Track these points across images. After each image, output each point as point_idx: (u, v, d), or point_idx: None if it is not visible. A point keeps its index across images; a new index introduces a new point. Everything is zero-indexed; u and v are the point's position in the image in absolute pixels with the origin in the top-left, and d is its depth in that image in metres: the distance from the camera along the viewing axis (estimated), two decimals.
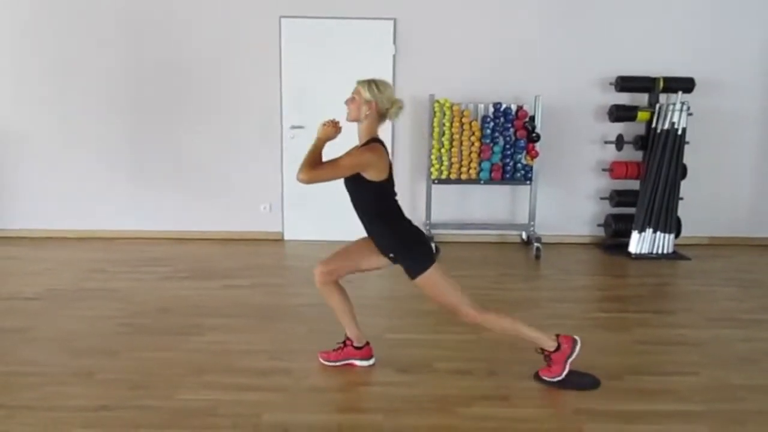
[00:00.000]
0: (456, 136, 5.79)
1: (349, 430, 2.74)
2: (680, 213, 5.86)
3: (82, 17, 5.93)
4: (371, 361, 3.36)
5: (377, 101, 3.02)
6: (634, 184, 6.00)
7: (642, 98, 5.97)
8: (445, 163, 5.85)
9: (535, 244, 5.79)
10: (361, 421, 2.83)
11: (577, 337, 3.14)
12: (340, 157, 2.98)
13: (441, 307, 3.16)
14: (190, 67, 6.02)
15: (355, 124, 3.09)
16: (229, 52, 5.99)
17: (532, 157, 5.81)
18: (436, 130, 5.82)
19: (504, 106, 5.83)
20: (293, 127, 5.97)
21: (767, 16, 6.00)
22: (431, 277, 3.03)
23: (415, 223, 3.20)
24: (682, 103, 5.62)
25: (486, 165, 5.82)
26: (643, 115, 5.79)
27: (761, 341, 3.79)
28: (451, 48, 5.99)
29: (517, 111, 5.85)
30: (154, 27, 5.95)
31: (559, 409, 2.92)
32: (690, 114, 5.69)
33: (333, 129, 3.07)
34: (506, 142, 5.82)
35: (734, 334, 3.88)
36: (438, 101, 5.79)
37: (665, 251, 5.76)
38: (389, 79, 5.90)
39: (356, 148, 3.07)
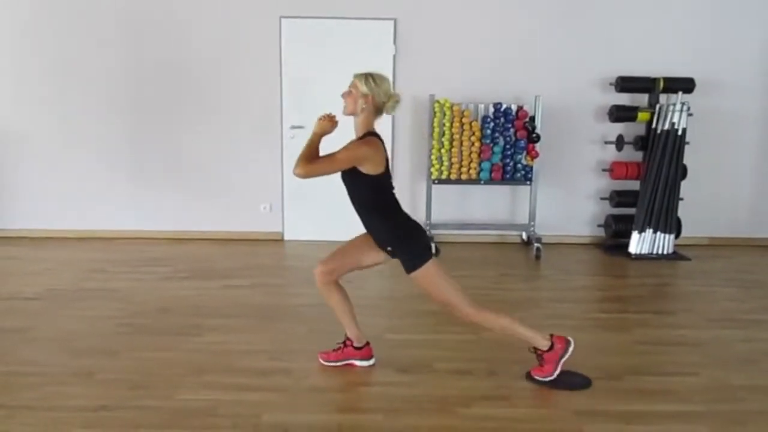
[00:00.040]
0: (456, 137, 5.79)
1: (349, 431, 2.74)
2: (680, 213, 5.86)
3: (82, 17, 5.93)
4: (371, 362, 3.35)
5: (374, 95, 3.01)
6: (634, 185, 6.00)
7: (642, 98, 5.97)
8: (446, 163, 5.85)
9: (536, 245, 5.79)
10: (361, 421, 2.83)
11: (570, 338, 3.15)
12: (337, 151, 2.96)
13: (437, 302, 3.15)
14: (190, 67, 6.02)
15: (351, 119, 3.09)
16: (229, 52, 5.99)
17: (533, 158, 5.81)
18: (437, 130, 5.82)
19: (504, 106, 5.83)
20: (293, 127, 5.97)
21: (767, 16, 6.00)
22: (428, 272, 3.02)
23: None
24: (683, 104, 5.62)
25: (486, 165, 5.82)
26: (643, 116, 5.79)
27: (761, 342, 3.79)
28: (452, 48, 5.99)
29: (517, 111, 5.84)
30: (154, 27, 5.95)
31: (559, 410, 2.91)
32: (690, 114, 5.69)
33: (329, 123, 3.07)
34: (506, 143, 5.81)
35: (734, 335, 3.88)
36: (438, 101, 5.79)
37: (665, 252, 5.76)
38: (389, 80, 5.90)
39: (353, 141, 3.06)
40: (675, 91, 5.70)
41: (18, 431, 2.70)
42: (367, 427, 2.77)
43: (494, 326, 3.12)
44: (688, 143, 5.73)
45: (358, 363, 3.34)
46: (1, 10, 5.92)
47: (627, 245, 5.85)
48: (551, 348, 3.10)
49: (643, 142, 5.86)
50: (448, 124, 5.78)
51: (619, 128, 6.08)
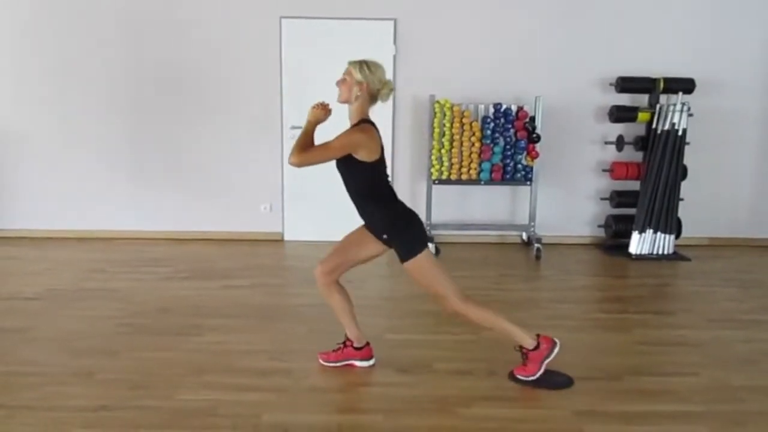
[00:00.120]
0: (456, 137, 5.79)
1: (348, 431, 2.74)
2: (680, 214, 5.86)
3: (82, 17, 5.93)
4: (371, 362, 3.35)
5: (368, 82, 3.01)
6: (634, 185, 6.00)
7: (642, 99, 5.97)
8: (446, 163, 5.85)
9: (536, 245, 5.79)
10: (361, 421, 2.83)
11: (556, 340, 3.15)
12: (332, 140, 2.96)
13: (428, 293, 3.14)
14: (190, 68, 6.02)
15: (346, 107, 3.08)
16: (230, 53, 5.99)
17: (533, 158, 5.81)
18: (437, 130, 5.82)
19: (504, 106, 5.83)
20: (293, 128, 5.96)
21: (767, 16, 6.00)
22: (422, 262, 3.02)
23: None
24: (683, 104, 5.62)
25: (486, 165, 5.81)
26: (643, 116, 5.79)
27: (761, 342, 3.79)
28: (452, 48, 5.99)
29: (517, 111, 5.84)
30: (154, 27, 5.95)
31: (559, 410, 2.91)
32: (690, 115, 5.69)
33: (323, 111, 3.07)
34: (506, 143, 5.81)
35: (734, 335, 3.88)
36: (438, 102, 5.79)
37: (665, 252, 5.76)
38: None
39: (347, 129, 3.05)
40: (675, 92, 5.70)
41: (18, 431, 2.70)
42: (367, 427, 2.77)
43: (483, 321, 3.11)
44: (688, 143, 5.73)
45: (358, 363, 3.34)
46: (1, 10, 5.92)
47: (627, 245, 5.85)
48: (537, 347, 3.10)
49: (643, 143, 5.86)
50: (448, 125, 5.78)
51: (619, 128, 6.08)
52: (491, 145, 5.80)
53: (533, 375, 3.11)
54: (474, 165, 5.83)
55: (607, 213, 6.19)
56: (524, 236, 6.29)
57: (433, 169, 5.88)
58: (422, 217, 5.81)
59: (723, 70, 6.04)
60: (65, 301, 4.37)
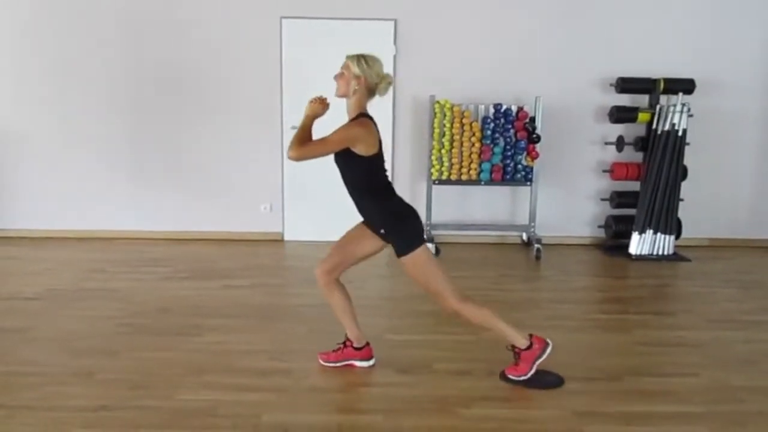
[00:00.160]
0: (456, 137, 5.79)
1: (348, 431, 2.74)
2: (680, 214, 5.86)
3: (82, 17, 5.93)
4: (371, 362, 3.35)
5: (366, 76, 3.01)
6: (634, 185, 6.00)
7: (642, 99, 5.97)
8: (446, 163, 5.85)
9: (536, 245, 5.79)
10: (361, 421, 2.83)
11: (549, 341, 3.16)
12: (330, 134, 2.95)
13: (424, 289, 3.14)
14: (190, 68, 6.02)
15: (344, 102, 3.08)
16: (230, 53, 5.99)
17: (533, 158, 5.81)
18: (437, 130, 5.82)
19: (504, 107, 5.83)
20: (293, 128, 5.95)
21: (767, 16, 6.00)
22: (419, 258, 3.02)
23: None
24: (683, 105, 5.62)
25: (486, 166, 5.81)
26: (643, 117, 5.79)
27: (761, 343, 3.79)
28: (452, 49, 5.99)
29: (517, 112, 5.84)
30: (154, 27, 5.95)
31: (560, 410, 2.91)
32: (690, 115, 5.69)
33: (321, 106, 3.07)
34: (506, 143, 5.81)
35: (734, 336, 3.88)
36: (438, 102, 5.79)
37: (665, 252, 5.76)
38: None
39: (345, 123, 3.04)
40: (675, 92, 5.70)
41: (18, 431, 2.69)
42: (367, 427, 2.77)
43: (477, 319, 3.11)
44: (688, 144, 5.73)
45: (358, 363, 3.34)
46: (1, 10, 5.92)
47: (627, 246, 5.85)
48: (529, 347, 3.11)
49: (643, 143, 5.86)
50: (448, 125, 5.78)
51: (619, 129, 6.08)
52: (491, 146, 5.80)
53: (524, 375, 3.12)
54: (474, 165, 5.83)
55: (607, 213, 6.19)
56: (524, 237, 6.29)
57: (433, 170, 5.89)
58: (422, 217, 5.85)
59: (723, 71, 6.04)
60: (65, 301, 4.37)
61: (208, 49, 5.98)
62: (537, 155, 5.80)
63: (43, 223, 6.20)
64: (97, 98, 6.05)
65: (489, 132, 5.79)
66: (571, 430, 2.75)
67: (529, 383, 3.11)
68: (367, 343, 3.36)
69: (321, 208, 6.02)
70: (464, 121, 5.77)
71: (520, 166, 5.86)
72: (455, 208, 6.25)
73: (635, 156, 6.03)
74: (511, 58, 6.03)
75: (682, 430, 2.77)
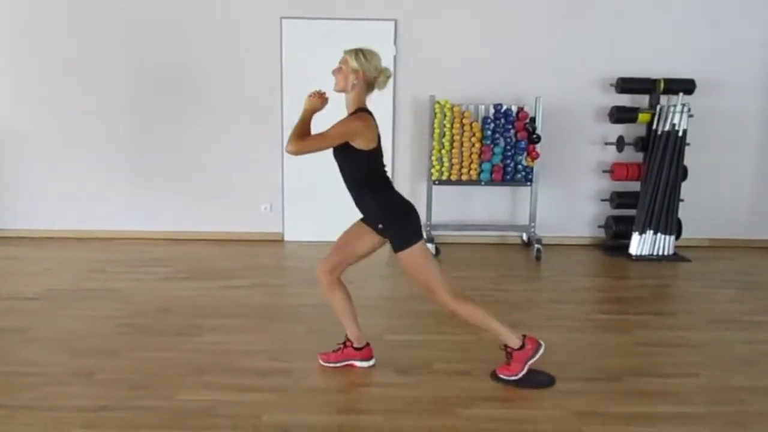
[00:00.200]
0: (456, 137, 5.79)
1: (349, 431, 2.73)
2: (681, 214, 5.85)
3: (82, 17, 5.93)
4: (371, 362, 3.35)
5: (365, 70, 3.01)
6: (634, 186, 6.00)
7: (643, 100, 5.97)
8: (446, 164, 5.85)
9: (536, 246, 5.79)
10: (361, 422, 2.82)
11: (542, 342, 3.16)
12: (329, 128, 2.95)
13: (419, 285, 3.14)
14: (190, 68, 6.02)
15: (343, 96, 3.08)
16: (230, 53, 5.99)
17: (533, 159, 5.81)
18: (437, 131, 5.82)
19: (504, 107, 5.83)
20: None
21: (767, 16, 6.00)
22: (415, 254, 3.02)
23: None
24: (683, 105, 5.62)
25: (486, 166, 5.81)
26: (643, 117, 5.79)
27: (762, 343, 3.79)
28: (452, 49, 5.99)
29: (517, 112, 5.84)
30: (154, 27, 5.95)
31: (560, 411, 2.91)
32: (691, 116, 5.69)
33: (319, 100, 3.07)
34: (507, 144, 5.81)
35: (735, 336, 3.88)
36: (439, 102, 5.79)
37: (666, 253, 5.76)
38: (389, 80, 5.89)
39: (344, 117, 3.04)
40: (675, 93, 5.70)
41: (18, 431, 2.69)
42: (367, 427, 2.77)
43: (471, 317, 3.11)
44: (688, 144, 5.73)
45: (358, 364, 3.33)
46: (1, 10, 5.92)
47: (627, 246, 5.85)
48: (522, 347, 3.11)
49: (643, 144, 5.86)
50: (448, 125, 5.78)
51: (619, 129, 6.08)
52: (491, 146, 5.80)
53: (516, 375, 3.12)
54: (474, 165, 5.83)
55: (608, 214, 6.19)
56: (524, 237, 6.29)
57: (433, 170, 5.88)
58: (422, 217, 5.89)
59: (723, 71, 6.04)
60: (65, 301, 4.37)
61: (209, 49, 5.98)
62: (537, 155, 5.80)
63: (43, 223, 6.20)
64: (97, 98, 6.05)
65: (489, 132, 5.79)
66: (571, 431, 2.75)
67: (520, 383, 3.11)
68: (367, 344, 3.36)
69: (321, 209, 6.02)
70: (464, 121, 5.77)
71: (520, 167, 5.86)
72: (455, 209, 6.25)
73: (635, 156, 6.03)
74: (512, 59, 6.03)
75: (682, 431, 2.77)
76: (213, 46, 5.98)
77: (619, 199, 6.02)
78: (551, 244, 6.10)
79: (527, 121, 5.79)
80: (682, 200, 5.83)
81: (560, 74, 6.03)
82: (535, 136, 5.75)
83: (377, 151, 3.05)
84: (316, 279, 3.24)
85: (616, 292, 4.92)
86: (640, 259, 5.74)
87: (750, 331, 3.99)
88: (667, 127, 5.64)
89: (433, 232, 6.01)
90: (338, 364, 3.34)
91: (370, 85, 3.06)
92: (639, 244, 5.77)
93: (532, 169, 5.88)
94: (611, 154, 6.16)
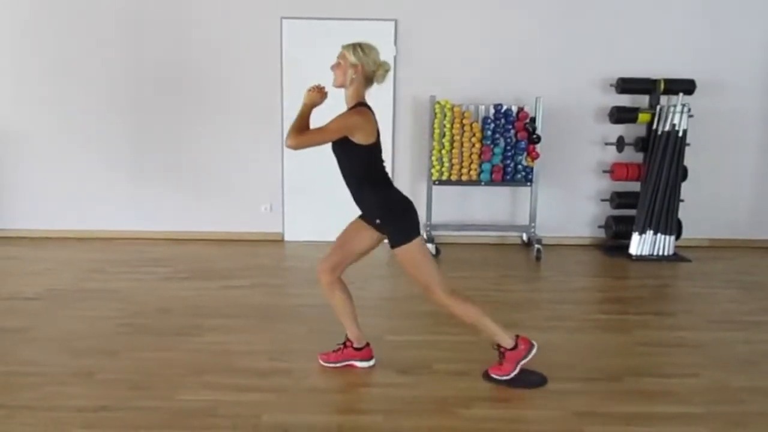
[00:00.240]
0: (456, 138, 5.79)
1: (348, 431, 2.73)
2: (681, 215, 5.85)
3: (82, 17, 5.93)
4: (371, 362, 3.35)
5: (363, 64, 3.01)
6: (634, 186, 6.00)
7: (643, 100, 5.97)
8: (446, 164, 5.85)
9: (536, 246, 5.78)
10: (361, 422, 2.83)
11: (534, 342, 3.16)
12: (328, 123, 2.96)
13: (414, 282, 3.14)
14: (190, 68, 6.02)
15: (342, 92, 3.07)
16: (230, 53, 5.99)
17: (533, 159, 5.81)
18: (437, 131, 5.82)
19: (505, 107, 5.83)
20: None
21: (767, 16, 5.99)
22: (412, 250, 3.02)
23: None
24: (683, 105, 5.62)
25: (486, 166, 5.81)
26: (643, 117, 5.79)
27: (762, 343, 3.79)
28: (452, 49, 5.99)
29: (517, 112, 5.84)
30: (154, 27, 5.95)
31: (560, 411, 2.91)
32: (691, 116, 5.68)
33: (319, 94, 3.07)
34: (507, 144, 5.81)
35: (735, 336, 3.88)
36: (439, 102, 5.79)
37: (666, 253, 5.76)
38: (389, 80, 5.89)
39: (344, 112, 3.04)
40: (676, 93, 5.70)
41: (18, 431, 2.69)
42: (367, 428, 2.77)
43: (465, 316, 3.11)
44: (688, 145, 5.73)
45: (358, 364, 3.33)
46: (1, 10, 5.92)
47: (627, 246, 5.85)
48: (515, 348, 3.11)
49: (643, 144, 5.85)
50: (448, 125, 5.78)
51: (619, 129, 6.08)
52: (491, 146, 5.80)
53: (508, 375, 3.12)
54: (474, 166, 5.83)
55: (608, 214, 6.18)
56: (524, 237, 6.29)
57: (433, 170, 5.88)
58: (422, 217, 5.89)
59: (723, 71, 6.03)
60: (65, 301, 4.37)
61: (209, 49, 5.98)
62: (537, 156, 5.80)
63: (43, 223, 6.20)
64: (97, 98, 6.05)
65: (489, 132, 5.78)
66: (572, 431, 2.75)
67: (512, 383, 3.12)
68: (368, 344, 3.36)
69: (321, 208, 6.02)
70: (464, 121, 5.77)
71: (520, 167, 5.86)
72: (455, 209, 6.25)
73: (635, 156, 6.03)
74: (512, 59, 6.03)
75: (682, 431, 2.77)
76: (213, 46, 5.98)
77: (619, 199, 6.02)
78: (551, 244, 6.10)
79: (527, 121, 5.79)
80: (682, 200, 5.83)
81: (560, 74, 6.03)
82: (535, 136, 5.75)
83: (376, 146, 3.05)
84: (317, 279, 3.24)
85: (616, 292, 4.92)
86: (640, 259, 5.74)
87: (750, 331, 3.99)
88: (667, 128, 5.64)
89: (433, 233, 6.01)
90: (338, 365, 3.34)
91: (369, 79, 3.06)
92: (639, 244, 5.77)
93: (532, 169, 5.88)
94: (611, 155, 6.16)
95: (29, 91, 6.04)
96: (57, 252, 5.72)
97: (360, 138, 2.96)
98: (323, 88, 3.09)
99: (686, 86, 5.73)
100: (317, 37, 5.93)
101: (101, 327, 3.87)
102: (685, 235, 5.97)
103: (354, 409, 3.01)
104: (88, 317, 4.04)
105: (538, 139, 5.76)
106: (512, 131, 5.81)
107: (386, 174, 3.14)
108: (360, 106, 3.02)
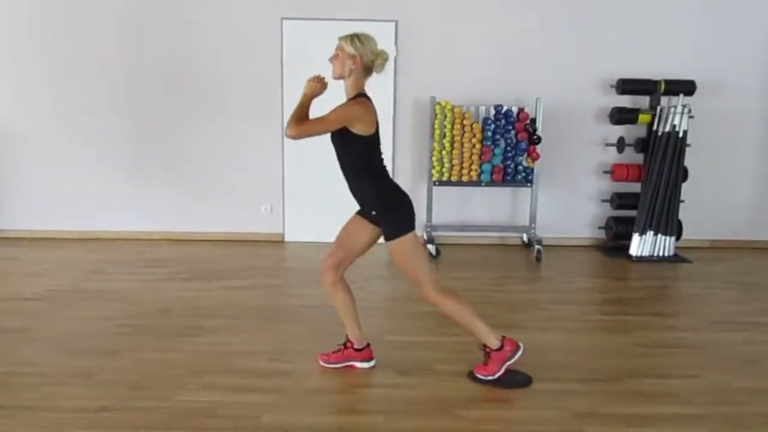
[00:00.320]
0: (457, 138, 5.78)
1: None
2: (681, 215, 5.85)
3: (82, 17, 5.93)
4: (372, 363, 3.35)
5: (361, 54, 3.00)
6: (635, 187, 5.99)
7: (643, 101, 5.97)
8: (446, 165, 5.84)
9: (536, 246, 5.78)
10: (362, 422, 2.82)
11: (520, 344, 3.16)
12: (328, 113, 2.95)
13: (405, 276, 3.14)
14: (191, 68, 6.02)
15: (341, 84, 3.07)
16: (231, 54, 5.99)
17: (533, 159, 5.81)
18: (437, 132, 5.82)
19: (505, 108, 5.83)
20: None
21: (767, 16, 5.99)
22: (405, 244, 3.02)
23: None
24: (684, 106, 5.62)
25: (487, 167, 5.81)
26: (644, 118, 5.79)
27: (762, 344, 3.79)
28: (453, 50, 5.99)
29: (518, 113, 5.84)
30: (154, 27, 5.95)
31: (560, 412, 2.91)
32: (691, 117, 5.68)
33: (319, 85, 3.06)
34: (507, 144, 5.81)
35: (735, 337, 3.88)
36: (439, 103, 5.79)
37: (666, 254, 5.75)
38: (390, 81, 5.91)
39: (343, 102, 3.04)
40: (676, 94, 5.70)
41: None
42: (367, 428, 2.77)
43: (454, 313, 3.12)
44: (689, 145, 5.73)
45: (358, 365, 3.33)
46: (1, 10, 5.92)
47: (628, 247, 5.85)
48: (501, 348, 3.12)
49: (644, 144, 5.85)
50: (449, 126, 5.78)
51: (620, 130, 6.08)
52: (492, 147, 5.80)
53: (493, 375, 3.13)
54: (475, 166, 5.83)
55: (608, 215, 6.18)
56: (525, 238, 6.28)
57: (433, 171, 5.88)
58: (423, 218, 5.90)
59: (723, 71, 6.03)
60: (65, 301, 4.37)
61: (209, 49, 5.98)
62: (537, 156, 5.80)
63: (43, 223, 6.20)
64: (97, 98, 6.04)
65: (490, 133, 5.78)
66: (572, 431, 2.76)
67: (497, 383, 3.12)
68: (368, 345, 3.36)
69: (321, 209, 6.02)
70: (465, 122, 5.77)
71: (520, 168, 5.86)
72: (456, 210, 6.25)
73: (636, 157, 6.03)
74: (512, 59, 6.03)
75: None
76: (214, 46, 5.98)
77: (619, 200, 6.02)
78: (551, 245, 6.10)
79: (528, 122, 5.79)
80: (683, 201, 5.82)
81: (561, 75, 6.03)
82: (535, 137, 5.75)
83: (375, 138, 3.05)
84: (320, 278, 3.24)
85: (616, 293, 4.92)
86: (641, 260, 5.74)
87: (750, 332, 3.99)
88: (667, 128, 5.64)
89: (434, 233, 6.01)
90: (338, 365, 3.34)
91: (368, 69, 3.06)
92: (639, 245, 5.76)
93: (532, 170, 5.88)
94: (612, 155, 6.15)
95: (29, 91, 6.04)
96: (57, 252, 5.72)
97: (359, 129, 2.96)
98: (323, 78, 3.08)
99: (687, 87, 5.73)
100: (317, 37, 5.90)
101: (101, 327, 3.87)
102: (685, 235, 5.97)
103: (354, 410, 3.01)
104: (88, 318, 4.04)
105: (539, 139, 5.76)
106: (513, 132, 5.81)
107: (384, 166, 3.14)
108: (360, 97, 3.02)
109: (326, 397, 3.08)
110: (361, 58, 3.01)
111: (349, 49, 3.00)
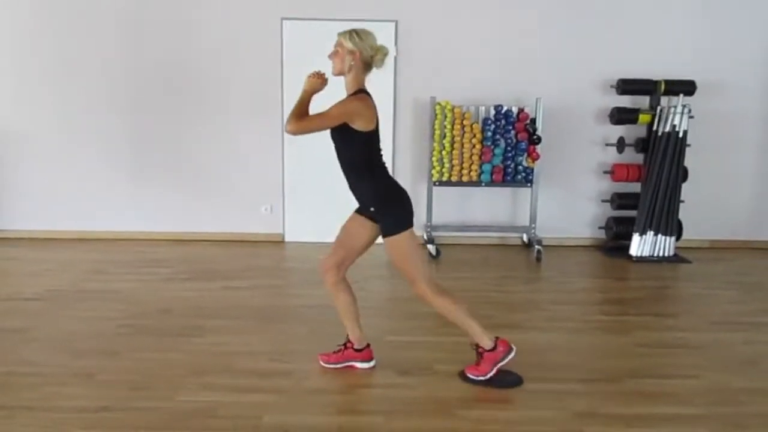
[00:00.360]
0: (457, 138, 5.79)
1: None
2: (681, 216, 5.85)
3: (82, 17, 5.93)
4: (372, 363, 3.35)
5: (360, 50, 3.00)
6: (635, 187, 5.99)
7: (643, 101, 5.97)
8: (446, 165, 5.85)
9: (536, 247, 5.78)
10: (362, 423, 2.82)
11: (513, 346, 3.16)
12: (328, 108, 2.95)
13: (400, 273, 3.14)
14: (191, 68, 6.02)
15: (342, 80, 3.07)
16: (231, 54, 5.99)
17: (533, 160, 5.81)
18: (437, 132, 5.82)
19: (505, 108, 5.83)
20: None
21: (767, 16, 5.99)
22: (402, 241, 3.03)
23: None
24: (684, 106, 5.62)
25: (487, 167, 5.81)
26: (644, 118, 5.79)
27: (762, 344, 3.79)
28: (453, 50, 5.99)
29: (518, 113, 5.84)
30: (154, 28, 5.95)
31: (560, 412, 2.91)
32: (691, 117, 5.68)
33: (319, 81, 3.06)
34: (507, 145, 5.81)
35: (735, 337, 3.88)
36: (439, 103, 5.79)
37: (666, 254, 5.75)
38: (390, 81, 5.91)
39: (344, 98, 3.04)
40: (676, 94, 5.70)
41: None
42: (368, 428, 2.77)
43: (448, 312, 3.12)
44: (689, 145, 5.73)
45: (358, 365, 3.33)
46: (1, 10, 5.92)
47: (628, 247, 5.85)
48: (493, 349, 3.12)
49: (644, 145, 5.85)
50: (449, 126, 5.78)
51: (620, 130, 6.08)
52: (492, 147, 5.80)
53: (484, 375, 3.13)
54: (475, 167, 5.83)
55: (608, 215, 6.18)
56: (525, 238, 6.28)
57: (433, 171, 5.88)
58: (423, 218, 5.90)
59: (723, 71, 6.03)
60: (65, 301, 4.37)
61: (209, 49, 5.98)
62: (537, 156, 5.80)
63: (43, 223, 6.20)
64: (97, 98, 6.05)
65: (490, 133, 5.79)
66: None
67: (488, 383, 3.13)
68: (368, 345, 3.36)
69: (322, 210, 6.01)
70: (465, 122, 5.77)
71: (520, 168, 5.86)
72: (456, 210, 6.25)
73: (636, 157, 6.03)
74: (512, 59, 6.03)
75: None
76: (214, 46, 5.98)
77: (619, 200, 6.02)
78: (552, 245, 6.10)
79: (528, 122, 5.79)
80: (683, 201, 5.82)
81: (561, 75, 6.03)
82: (535, 137, 5.76)
83: (375, 134, 3.05)
84: (321, 278, 3.23)
85: (616, 293, 4.92)
86: (641, 260, 5.74)
87: (750, 332, 3.99)
88: (667, 129, 5.64)
89: (434, 233, 6.01)
90: (339, 365, 3.34)
91: (367, 65, 3.05)
92: (639, 245, 5.76)
93: (532, 170, 5.88)
94: (612, 155, 6.15)
95: (29, 91, 6.04)
96: (57, 252, 5.72)
97: (359, 125, 2.96)
98: (323, 74, 3.09)
99: (687, 87, 5.73)
100: (317, 37, 5.90)
101: (102, 328, 3.87)
102: (685, 236, 5.97)
103: (354, 410, 3.01)
104: (89, 318, 4.04)
105: (539, 139, 5.76)
106: (513, 132, 5.81)
107: (383, 163, 3.14)
108: (360, 93, 3.02)
109: (326, 397, 3.08)
110: (361, 54, 3.00)
111: (348, 45, 3.00)
